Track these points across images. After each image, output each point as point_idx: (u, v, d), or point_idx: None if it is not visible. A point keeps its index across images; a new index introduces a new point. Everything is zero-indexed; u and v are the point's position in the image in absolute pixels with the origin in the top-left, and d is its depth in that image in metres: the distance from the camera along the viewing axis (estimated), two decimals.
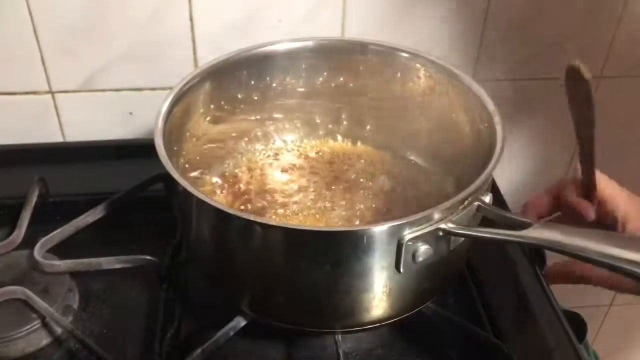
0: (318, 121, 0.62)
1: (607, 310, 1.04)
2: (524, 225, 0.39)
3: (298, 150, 0.62)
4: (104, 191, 0.59)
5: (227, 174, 0.59)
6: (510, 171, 0.80)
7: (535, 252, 0.58)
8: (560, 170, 0.83)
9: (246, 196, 0.57)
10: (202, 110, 0.55)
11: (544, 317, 0.53)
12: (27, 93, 0.67)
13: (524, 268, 0.57)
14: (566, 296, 0.57)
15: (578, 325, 0.53)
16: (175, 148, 0.50)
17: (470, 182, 0.43)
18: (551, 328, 0.51)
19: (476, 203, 0.43)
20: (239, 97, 0.58)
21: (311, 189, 0.58)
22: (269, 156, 0.61)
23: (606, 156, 0.83)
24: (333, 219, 0.55)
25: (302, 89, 0.59)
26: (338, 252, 0.41)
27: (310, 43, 0.57)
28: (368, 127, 0.61)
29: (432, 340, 0.52)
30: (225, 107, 0.57)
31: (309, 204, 0.56)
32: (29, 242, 0.56)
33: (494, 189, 0.64)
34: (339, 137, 0.63)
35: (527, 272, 0.56)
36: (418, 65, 0.56)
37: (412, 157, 0.60)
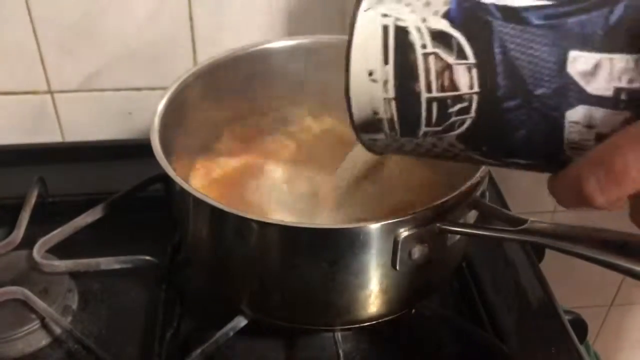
0: (316, 120, 0.62)
1: (607, 310, 1.04)
2: (519, 222, 0.39)
3: (296, 149, 0.62)
4: (103, 191, 0.59)
5: (224, 172, 0.59)
6: (510, 171, 0.80)
7: (533, 247, 0.58)
8: None
9: (244, 194, 0.57)
10: (199, 109, 0.55)
11: (544, 317, 0.52)
12: (26, 93, 0.67)
13: (524, 268, 0.57)
14: (566, 296, 0.57)
15: (578, 325, 0.53)
16: (172, 147, 0.50)
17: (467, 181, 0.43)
18: (551, 328, 0.51)
19: (472, 200, 0.43)
20: (236, 95, 0.58)
21: (309, 188, 0.58)
22: (266, 154, 0.61)
23: None
24: (331, 217, 0.55)
25: (299, 87, 0.59)
26: (334, 249, 0.41)
27: (306, 41, 0.58)
28: None
29: (432, 340, 0.52)
30: (223, 105, 0.57)
31: (306, 202, 0.56)
32: (28, 242, 0.56)
33: (494, 187, 0.64)
34: (338, 136, 0.63)
35: (527, 272, 0.56)
36: None
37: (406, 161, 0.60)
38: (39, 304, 0.50)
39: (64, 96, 0.68)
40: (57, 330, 0.51)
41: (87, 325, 0.53)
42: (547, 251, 0.59)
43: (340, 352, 0.47)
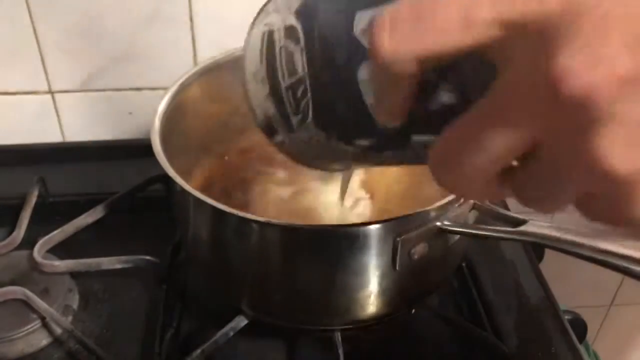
0: None
1: (607, 310, 1.04)
2: (519, 222, 0.39)
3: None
4: (104, 191, 0.59)
5: (224, 172, 0.59)
6: None
7: (533, 247, 0.58)
8: None
9: (244, 194, 0.57)
10: (199, 110, 0.55)
11: (544, 317, 0.52)
12: (27, 93, 0.67)
13: (524, 268, 0.57)
14: (566, 296, 0.57)
15: (578, 325, 0.53)
16: (173, 147, 0.50)
17: None
18: (551, 328, 0.51)
19: (472, 200, 0.43)
20: (236, 95, 0.57)
21: (310, 187, 0.58)
22: (267, 154, 0.61)
23: None
24: (332, 217, 0.55)
25: None
26: (334, 249, 0.41)
27: None
28: None
29: (432, 340, 0.52)
30: (223, 105, 0.57)
31: (306, 202, 0.56)
32: (28, 242, 0.56)
33: None
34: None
35: (527, 272, 0.56)
36: None
37: None
38: (40, 303, 0.50)
39: (64, 96, 0.68)
40: (58, 330, 0.51)
41: (87, 325, 0.53)
42: (547, 251, 0.59)
43: (340, 352, 0.47)
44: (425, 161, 0.25)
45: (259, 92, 0.33)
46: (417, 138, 0.28)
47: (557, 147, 0.20)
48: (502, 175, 0.22)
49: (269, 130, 0.34)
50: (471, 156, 0.21)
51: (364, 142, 0.31)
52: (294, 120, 0.32)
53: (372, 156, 0.32)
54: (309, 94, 0.31)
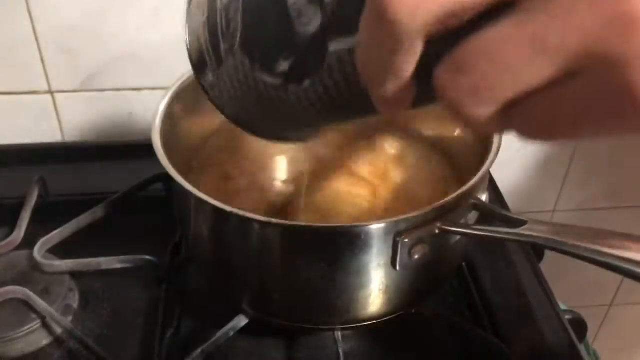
0: None
1: (607, 310, 1.04)
2: (519, 223, 0.39)
3: (297, 148, 0.62)
4: (104, 191, 0.59)
5: (226, 172, 0.59)
6: (510, 171, 0.81)
7: (533, 247, 0.58)
8: (561, 169, 0.83)
9: (243, 193, 0.57)
10: (200, 109, 0.55)
11: (544, 317, 0.53)
12: (26, 93, 0.67)
13: (524, 268, 0.57)
14: (566, 296, 0.57)
15: (578, 325, 0.53)
16: (173, 147, 0.50)
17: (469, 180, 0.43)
18: (551, 328, 0.51)
19: (472, 201, 0.43)
20: None
21: (310, 184, 0.58)
22: (270, 153, 0.61)
23: (606, 156, 0.83)
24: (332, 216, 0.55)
25: None
26: (334, 249, 0.41)
27: None
28: (368, 123, 0.61)
29: (432, 340, 0.52)
30: None
31: (307, 202, 0.56)
32: (28, 242, 0.56)
33: (494, 188, 0.64)
34: (342, 131, 0.62)
35: (527, 272, 0.56)
36: None
37: (412, 154, 0.60)
38: (40, 303, 0.50)
39: (64, 96, 0.68)
40: (58, 330, 0.51)
41: (87, 324, 0.53)
42: (547, 251, 0.59)
43: (341, 351, 0.47)
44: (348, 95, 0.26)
45: (196, 21, 0.32)
46: (335, 46, 0.26)
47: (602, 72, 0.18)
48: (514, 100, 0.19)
49: (200, 63, 0.34)
50: (493, 75, 0.18)
51: (283, 65, 0.30)
52: (223, 47, 0.31)
53: (294, 93, 0.30)
54: (240, 12, 0.30)
